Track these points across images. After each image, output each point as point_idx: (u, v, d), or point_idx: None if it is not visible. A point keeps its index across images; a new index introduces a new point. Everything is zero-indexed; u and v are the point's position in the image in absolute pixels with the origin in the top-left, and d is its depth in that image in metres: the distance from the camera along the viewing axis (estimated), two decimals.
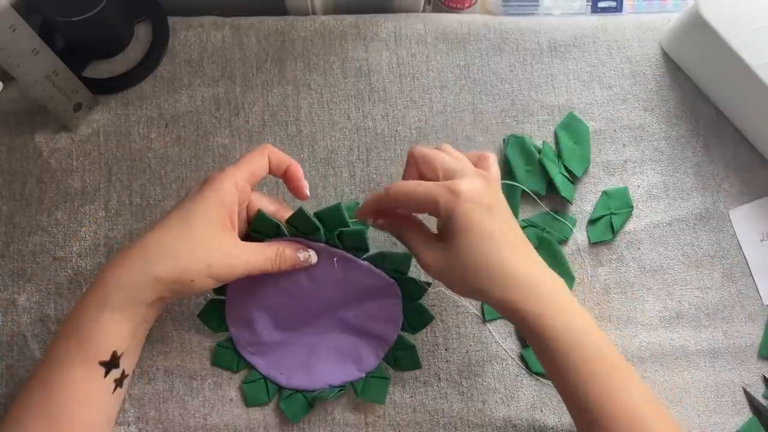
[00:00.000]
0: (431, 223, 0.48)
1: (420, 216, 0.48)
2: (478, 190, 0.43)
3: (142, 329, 0.43)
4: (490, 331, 0.56)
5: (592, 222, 0.58)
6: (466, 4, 0.64)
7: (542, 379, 0.55)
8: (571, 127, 0.60)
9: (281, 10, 0.63)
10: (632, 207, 0.59)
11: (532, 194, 0.58)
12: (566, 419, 0.54)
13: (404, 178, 0.48)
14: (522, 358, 0.55)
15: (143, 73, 0.59)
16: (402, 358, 0.53)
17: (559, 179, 0.57)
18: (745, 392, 0.56)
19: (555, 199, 0.58)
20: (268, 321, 0.52)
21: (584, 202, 0.59)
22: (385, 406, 0.54)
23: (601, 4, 0.66)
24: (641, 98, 0.61)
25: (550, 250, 0.57)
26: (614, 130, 0.61)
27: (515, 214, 0.58)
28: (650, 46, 0.63)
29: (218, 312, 0.53)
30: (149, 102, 0.59)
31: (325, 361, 0.53)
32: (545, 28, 0.62)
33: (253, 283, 0.49)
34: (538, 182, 0.58)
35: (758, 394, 0.56)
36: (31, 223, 0.56)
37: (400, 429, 0.54)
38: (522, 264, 0.42)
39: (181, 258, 0.41)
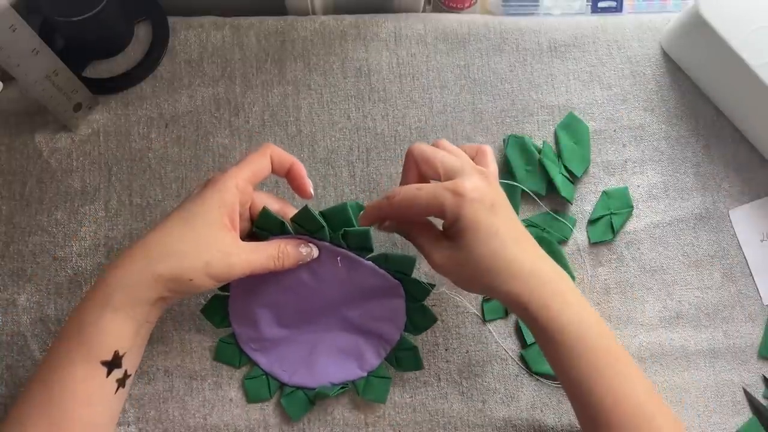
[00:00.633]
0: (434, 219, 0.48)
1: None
2: (480, 188, 0.43)
3: (144, 329, 0.43)
4: (490, 331, 0.56)
5: (592, 222, 0.58)
6: (466, 4, 0.64)
7: (542, 380, 0.55)
8: (571, 127, 0.60)
9: (281, 10, 0.63)
10: (632, 207, 0.59)
11: (532, 194, 0.58)
12: (566, 419, 0.54)
13: (403, 177, 0.48)
14: (522, 358, 0.55)
15: (143, 73, 0.59)
16: (404, 358, 0.53)
17: (559, 179, 0.57)
18: (745, 392, 0.56)
19: (555, 199, 0.58)
20: (270, 318, 0.52)
21: (584, 202, 0.59)
22: (385, 406, 0.54)
23: (601, 4, 0.66)
24: (641, 98, 0.61)
25: (550, 250, 0.57)
26: (614, 130, 0.61)
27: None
28: (650, 46, 0.63)
29: (221, 308, 0.53)
30: (149, 102, 0.59)
31: (327, 359, 0.53)
32: (545, 28, 0.62)
33: (257, 280, 0.49)
34: (538, 182, 0.58)
35: (758, 394, 0.56)
36: (31, 223, 0.56)
37: (400, 429, 0.54)
38: (527, 258, 0.43)
39: (181, 258, 0.41)
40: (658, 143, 0.61)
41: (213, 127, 0.59)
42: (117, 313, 0.41)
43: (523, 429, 0.54)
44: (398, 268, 0.49)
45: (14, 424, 0.40)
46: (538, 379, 0.55)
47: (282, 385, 0.53)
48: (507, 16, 0.64)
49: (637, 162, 0.60)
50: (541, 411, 0.54)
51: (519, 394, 0.55)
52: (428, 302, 0.54)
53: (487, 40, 0.62)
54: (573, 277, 0.57)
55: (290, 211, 0.48)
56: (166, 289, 0.42)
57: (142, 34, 0.61)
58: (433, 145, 0.47)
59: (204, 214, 0.43)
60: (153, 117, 0.59)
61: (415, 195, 0.44)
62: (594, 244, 0.58)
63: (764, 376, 0.57)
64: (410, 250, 0.52)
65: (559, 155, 0.59)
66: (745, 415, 0.56)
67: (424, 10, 0.64)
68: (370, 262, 0.49)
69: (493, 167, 0.47)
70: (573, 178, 0.59)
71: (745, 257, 0.59)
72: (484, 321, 0.56)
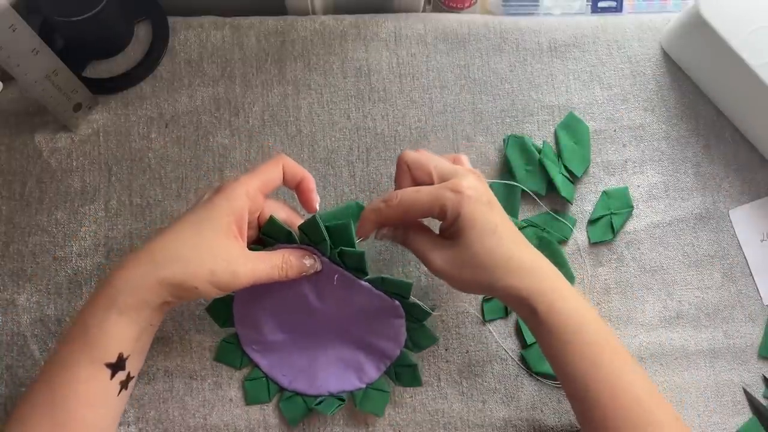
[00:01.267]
0: (431, 224, 0.48)
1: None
2: (476, 186, 0.44)
3: (148, 332, 0.43)
4: (490, 331, 0.56)
5: (592, 222, 0.58)
6: (466, 4, 0.64)
7: (542, 380, 0.55)
8: (571, 127, 0.60)
9: (281, 10, 0.63)
10: (632, 207, 0.59)
11: (532, 194, 0.58)
12: (566, 419, 0.54)
13: (397, 183, 0.48)
14: (522, 358, 0.55)
15: (143, 73, 0.59)
16: (403, 374, 0.53)
17: (559, 179, 0.57)
18: (745, 392, 0.56)
19: (555, 199, 0.58)
20: (273, 323, 0.52)
21: (584, 202, 0.59)
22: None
23: (601, 4, 0.65)
24: (641, 98, 0.61)
25: (550, 250, 0.57)
26: (614, 130, 0.61)
27: (515, 214, 0.58)
28: (650, 46, 0.63)
29: (226, 308, 0.53)
30: (149, 102, 0.59)
31: (327, 369, 0.53)
32: (545, 28, 0.62)
33: (261, 289, 0.48)
34: (538, 182, 0.58)
35: (758, 394, 0.56)
36: (31, 223, 0.56)
37: (400, 429, 0.54)
38: (525, 254, 0.44)
39: (186, 264, 0.42)
40: (658, 143, 0.60)
41: (213, 127, 0.59)
42: (122, 315, 0.41)
43: (523, 429, 0.54)
44: (395, 290, 0.49)
45: (17, 424, 0.40)
46: (538, 379, 0.55)
47: (281, 389, 0.53)
48: (507, 16, 0.64)
49: (637, 162, 0.60)
50: (541, 411, 0.54)
51: (519, 394, 0.55)
52: (429, 303, 0.55)
53: (487, 40, 0.62)
54: (573, 278, 0.57)
55: (297, 221, 0.48)
56: (170, 294, 0.42)
57: (142, 34, 0.61)
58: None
59: (212, 221, 0.43)
60: (153, 117, 0.59)
61: (415, 197, 0.44)
62: (594, 244, 0.58)
63: (764, 376, 0.57)
64: (407, 255, 0.52)
65: (559, 155, 0.59)
66: (745, 415, 0.56)
67: (424, 10, 0.64)
68: (366, 284, 0.48)
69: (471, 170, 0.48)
70: (573, 178, 0.59)
71: (745, 257, 0.59)
72: (484, 321, 0.56)
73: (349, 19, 0.62)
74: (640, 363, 0.56)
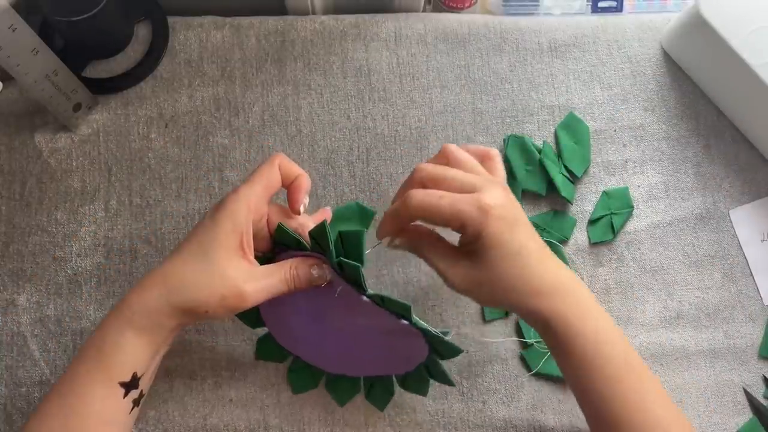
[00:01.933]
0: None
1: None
2: (502, 203, 0.41)
3: (161, 351, 0.44)
4: (491, 331, 0.56)
5: (592, 222, 0.58)
6: (466, 4, 0.64)
7: (542, 380, 0.55)
8: (572, 127, 0.60)
9: (281, 10, 0.63)
10: (632, 207, 0.59)
11: (532, 194, 0.58)
12: (566, 419, 0.54)
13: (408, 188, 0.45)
14: (522, 359, 0.55)
15: (143, 73, 0.59)
16: (413, 383, 0.51)
17: (560, 179, 0.57)
18: (746, 392, 0.56)
19: (555, 199, 0.58)
20: (302, 322, 0.50)
21: (584, 202, 0.59)
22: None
23: (601, 4, 0.65)
24: (641, 98, 0.61)
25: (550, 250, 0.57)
26: (614, 130, 0.61)
27: None
28: (650, 46, 0.63)
29: (254, 309, 0.50)
30: (149, 102, 0.59)
31: (367, 356, 0.50)
32: (545, 28, 0.62)
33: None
34: (539, 182, 0.58)
35: (758, 394, 0.56)
36: (31, 223, 0.56)
37: (400, 429, 0.54)
38: (548, 272, 0.42)
39: (196, 291, 0.42)
40: (658, 143, 0.60)
41: (213, 127, 0.59)
42: (137, 335, 0.41)
43: (523, 429, 0.54)
44: (395, 310, 0.45)
45: None
46: (538, 379, 0.55)
47: (326, 373, 0.53)
48: (507, 16, 0.64)
49: (637, 162, 0.60)
50: (541, 411, 0.54)
51: (519, 394, 0.54)
52: (429, 303, 0.54)
53: (487, 40, 0.62)
54: None
55: (309, 226, 0.46)
56: (184, 317, 0.42)
57: (142, 34, 0.61)
58: (441, 153, 0.46)
59: (218, 243, 0.42)
60: (153, 117, 0.59)
61: (437, 204, 0.41)
62: (594, 244, 0.58)
63: (764, 376, 0.57)
64: (407, 254, 0.52)
65: (560, 155, 0.59)
66: (746, 415, 0.56)
67: (424, 10, 0.64)
68: (367, 300, 0.45)
69: (502, 174, 0.46)
70: (573, 178, 0.59)
71: (745, 257, 0.59)
72: (484, 321, 0.56)
73: (349, 19, 0.62)
74: None
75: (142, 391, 0.43)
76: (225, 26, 0.61)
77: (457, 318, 0.56)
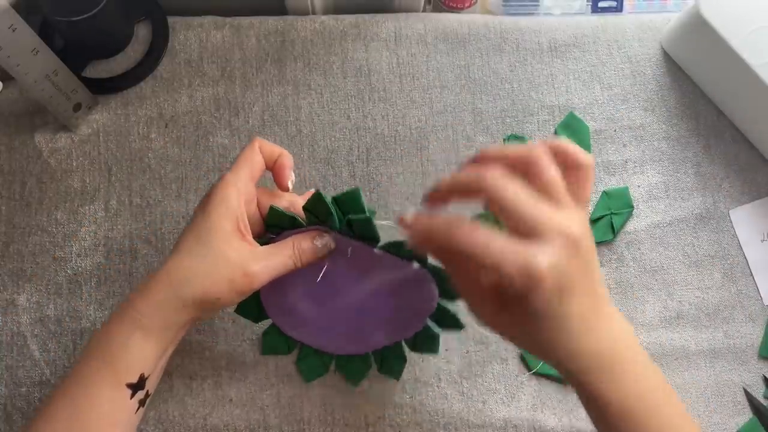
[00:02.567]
0: None
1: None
2: (559, 268, 0.33)
3: (169, 351, 0.44)
4: (491, 331, 0.55)
5: (592, 222, 0.58)
6: (466, 4, 0.64)
7: (542, 380, 0.55)
8: (572, 127, 0.60)
9: (281, 10, 0.63)
10: (632, 207, 0.59)
11: None
12: (566, 419, 0.54)
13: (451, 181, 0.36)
14: (522, 358, 0.55)
15: (143, 73, 0.59)
16: (422, 342, 0.50)
17: None
18: (746, 392, 0.56)
19: None
20: (306, 304, 0.50)
21: None
22: (385, 407, 0.54)
23: (601, 4, 0.65)
24: (642, 98, 0.61)
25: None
26: (615, 130, 0.61)
27: None
28: (651, 46, 0.63)
29: (255, 302, 0.51)
30: (149, 102, 0.59)
31: (372, 329, 0.50)
32: (545, 28, 0.62)
33: (283, 277, 0.46)
34: None
35: (758, 394, 0.56)
36: (31, 223, 0.56)
37: (401, 429, 0.54)
38: (592, 338, 0.37)
39: (203, 279, 0.41)
40: (658, 143, 0.60)
41: (213, 127, 0.59)
42: (146, 337, 0.41)
43: (523, 429, 0.54)
44: (407, 254, 0.45)
45: None
46: (538, 379, 0.55)
47: (335, 356, 0.53)
48: (507, 16, 0.64)
49: (637, 162, 0.60)
50: (542, 411, 0.54)
51: (519, 394, 0.54)
52: None
53: (487, 40, 0.62)
54: None
55: (298, 204, 0.47)
56: (195, 311, 0.42)
57: (142, 34, 0.61)
58: (522, 155, 0.35)
59: (215, 229, 0.42)
60: (153, 117, 0.59)
61: (482, 243, 0.32)
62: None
63: (765, 376, 0.57)
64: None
65: None
66: (746, 415, 0.56)
67: (424, 10, 0.64)
68: (381, 252, 0.45)
69: (587, 195, 0.37)
70: None
71: (745, 257, 0.59)
72: None
73: (349, 19, 0.62)
74: None
75: (148, 391, 0.43)
76: (225, 26, 0.61)
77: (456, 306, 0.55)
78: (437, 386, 0.54)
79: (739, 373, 0.56)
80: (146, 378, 0.42)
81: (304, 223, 0.46)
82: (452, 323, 0.48)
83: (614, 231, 0.58)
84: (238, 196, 0.43)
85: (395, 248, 0.45)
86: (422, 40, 0.61)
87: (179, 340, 0.44)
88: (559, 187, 0.35)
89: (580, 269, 0.34)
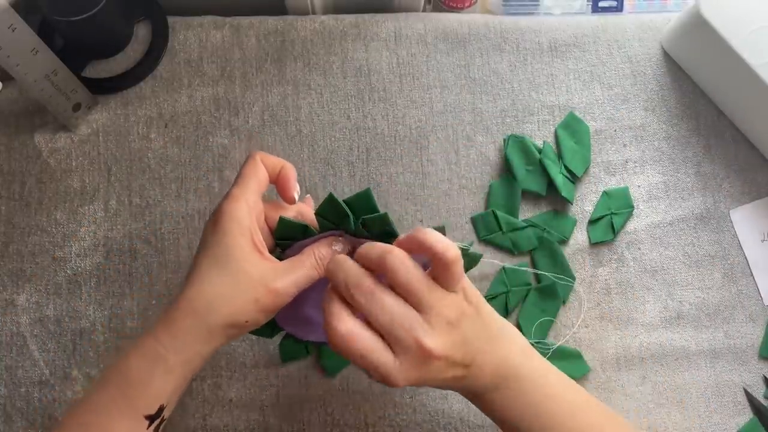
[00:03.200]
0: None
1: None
2: (446, 348, 0.39)
3: (188, 380, 0.42)
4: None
5: (592, 222, 0.58)
6: (467, 4, 0.64)
7: None
8: (572, 126, 0.60)
9: (281, 10, 0.63)
10: (633, 207, 0.59)
11: (532, 194, 0.58)
12: None
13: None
14: None
15: (143, 73, 0.59)
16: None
17: (560, 179, 0.57)
18: (746, 392, 0.56)
19: (555, 199, 0.58)
20: (321, 311, 0.50)
21: (585, 202, 0.59)
22: (385, 407, 0.54)
23: (601, 4, 0.65)
24: (642, 98, 0.61)
25: (550, 250, 0.57)
26: (615, 130, 0.61)
27: (515, 214, 0.57)
28: (651, 46, 0.63)
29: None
30: (149, 102, 0.59)
31: None
32: (545, 27, 0.62)
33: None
34: (539, 182, 0.58)
35: (759, 394, 0.56)
36: (31, 223, 0.56)
37: (400, 429, 0.54)
38: (486, 375, 0.42)
39: (228, 303, 0.40)
40: (658, 143, 0.60)
41: (213, 127, 0.59)
42: (170, 371, 0.40)
43: None
44: None
45: None
46: None
47: None
48: (507, 15, 0.64)
49: (637, 162, 0.60)
50: None
51: None
52: None
53: (487, 39, 0.62)
54: (573, 278, 0.57)
55: (307, 212, 0.46)
56: (222, 337, 0.41)
57: (141, 34, 0.61)
58: (412, 238, 0.40)
59: (232, 249, 0.41)
60: (152, 117, 0.59)
61: (378, 311, 0.38)
62: (594, 244, 0.58)
63: (765, 377, 0.56)
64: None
65: (560, 155, 0.59)
66: (746, 415, 0.56)
67: (424, 10, 0.64)
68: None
69: (456, 285, 0.40)
70: (573, 178, 0.59)
71: (745, 257, 0.59)
72: None
73: (349, 19, 0.62)
74: (640, 363, 0.56)
75: (164, 417, 0.41)
76: (225, 26, 0.61)
77: None
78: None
79: (740, 373, 0.56)
80: (165, 407, 0.41)
81: (316, 231, 0.45)
82: None
83: (614, 231, 0.58)
84: (249, 212, 0.42)
85: None
86: (422, 39, 0.61)
87: (199, 369, 0.42)
88: (421, 284, 0.39)
89: (476, 320, 0.40)
